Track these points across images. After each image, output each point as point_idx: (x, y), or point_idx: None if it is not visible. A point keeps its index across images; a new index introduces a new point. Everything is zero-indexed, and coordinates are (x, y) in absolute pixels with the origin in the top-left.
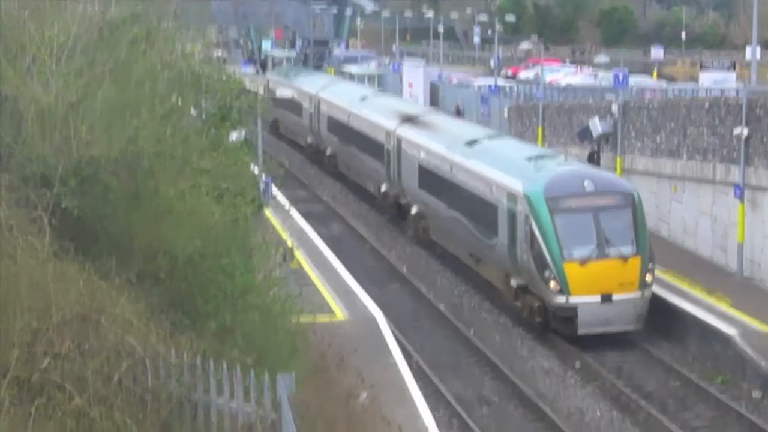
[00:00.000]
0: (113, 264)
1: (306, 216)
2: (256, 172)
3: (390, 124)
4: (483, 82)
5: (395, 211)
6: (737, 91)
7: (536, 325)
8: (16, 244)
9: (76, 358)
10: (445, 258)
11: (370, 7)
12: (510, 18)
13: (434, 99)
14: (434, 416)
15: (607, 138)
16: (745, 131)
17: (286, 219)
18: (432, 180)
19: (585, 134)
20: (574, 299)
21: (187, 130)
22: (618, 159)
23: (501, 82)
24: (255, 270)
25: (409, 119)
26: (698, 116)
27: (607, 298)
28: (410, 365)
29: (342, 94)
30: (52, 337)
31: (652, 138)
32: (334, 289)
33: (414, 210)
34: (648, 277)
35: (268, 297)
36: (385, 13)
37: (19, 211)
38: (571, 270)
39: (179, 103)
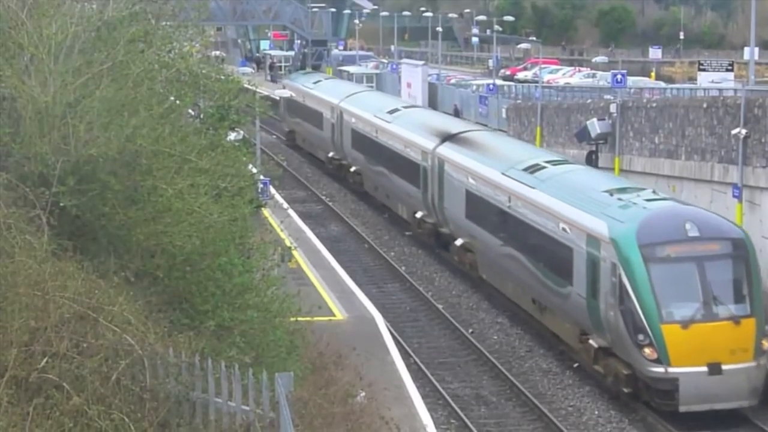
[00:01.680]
0: (111, 262)
1: (304, 216)
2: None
3: (427, 142)
4: (481, 81)
5: (434, 241)
6: (735, 91)
7: (624, 396)
8: (14, 242)
9: (74, 357)
10: (442, 258)
11: (368, 7)
12: (508, 18)
13: (432, 99)
14: (432, 416)
15: (606, 138)
16: (744, 131)
17: (284, 219)
18: (483, 210)
19: (583, 134)
20: (674, 370)
21: (185, 130)
22: (616, 159)
23: (499, 81)
24: (253, 269)
25: (450, 137)
26: (696, 116)
27: (715, 368)
28: (408, 365)
29: (368, 105)
30: (50, 336)
31: (650, 138)
32: (333, 289)
33: (459, 242)
34: (765, 343)
35: (266, 296)
36: (384, 13)
37: (17, 210)
38: (672, 334)
39: (177, 102)
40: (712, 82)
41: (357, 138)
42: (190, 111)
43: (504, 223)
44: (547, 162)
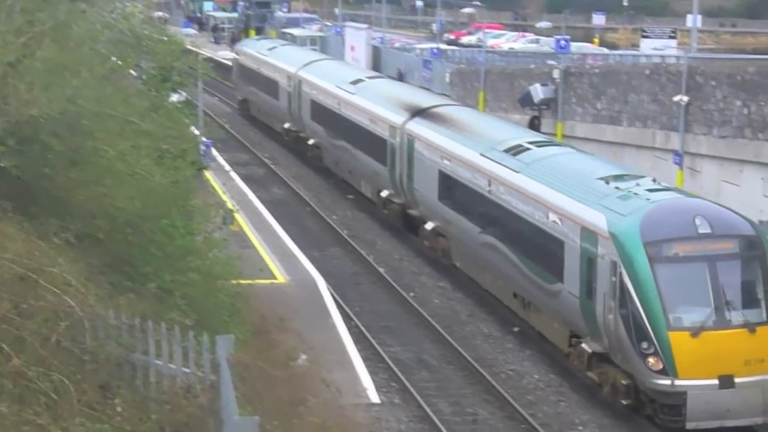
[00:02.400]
0: (52, 224)
1: (247, 179)
2: (197, 133)
3: (395, 117)
4: (425, 46)
5: (401, 223)
6: (678, 59)
7: (622, 408)
8: None
9: (14, 319)
10: (385, 222)
11: None
12: None
13: (376, 63)
14: (373, 379)
15: (548, 104)
16: (685, 99)
17: (226, 181)
18: (458, 193)
19: (526, 100)
20: (682, 382)
21: (127, 91)
22: (559, 125)
23: (443, 46)
24: (195, 232)
25: (420, 112)
26: (639, 83)
27: (727, 381)
28: (350, 328)
29: (329, 75)
30: None
31: (593, 104)
32: (275, 252)
33: (430, 226)
34: None
35: (208, 259)
36: None
37: None
38: (680, 342)
39: (120, 63)
40: (655, 49)
41: (317, 109)
42: (132, 72)
43: (483, 209)
44: (531, 143)
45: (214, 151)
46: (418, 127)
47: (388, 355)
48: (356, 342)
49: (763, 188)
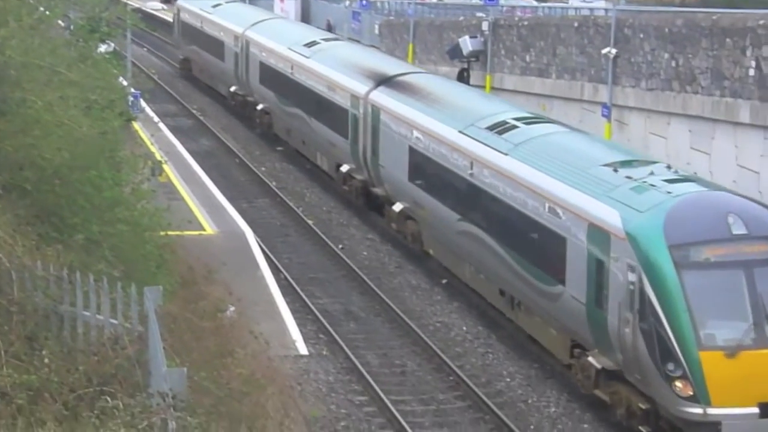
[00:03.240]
0: None
1: (175, 131)
2: (125, 84)
3: (358, 85)
4: None
5: (362, 201)
6: (606, 11)
7: None
8: None
9: None
10: (314, 173)
11: None
12: None
13: (306, 14)
14: (301, 330)
15: (477, 56)
16: (613, 51)
17: (155, 132)
18: (433, 174)
19: (455, 52)
20: (716, 411)
21: (55, 41)
22: (488, 77)
23: None
24: (123, 183)
25: (386, 80)
26: (567, 36)
27: None
28: (278, 280)
29: (280, 36)
30: None
31: (521, 57)
32: (203, 204)
33: (398, 208)
34: None
35: (136, 210)
36: None
37: None
38: (713, 364)
39: (47, 13)
40: (584, 1)
41: (266, 73)
42: (60, 23)
43: (463, 194)
44: (517, 119)
45: (142, 103)
46: (385, 98)
47: (317, 306)
48: (284, 294)
49: (690, 141)
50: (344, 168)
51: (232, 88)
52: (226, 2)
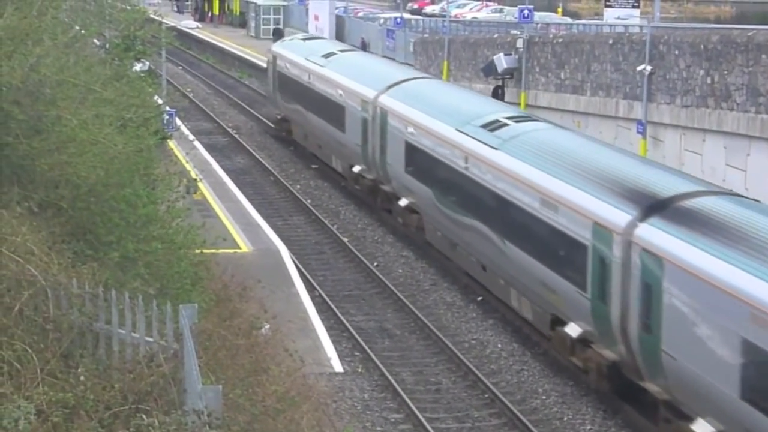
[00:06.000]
0: (15, 193)
1: (210, 148)
2: (160, 102)
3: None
4: (389, 15)
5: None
6: (641, 28)
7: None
8: None
9: None
10: (347, 191)
11: None
12: None
13: (340, 32)
14: (336, 348)
15: (512, 73)
16: (648, 68)
17: (189, 150)
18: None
19: (490, 69)
20: None
21: (90, 60)
22: (522, 94)
23: (407, 15)
24: (158, 200)
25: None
26: (602, 52)
27: None
28: (313, 297)
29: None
30: None
31: (556, 74)
32: (238, 221)
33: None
34: None
35: (171, 228)
36: None
37: None
38: None
39: (82, 32)
40: (618, 18)
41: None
42: (95, 41)
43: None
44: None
45: (177, 120)
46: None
47: (351, 324)
48: (319, 311)
49: (725, 157)
50: (356, 168)
51: (356, 168)
52: (341, 51)
